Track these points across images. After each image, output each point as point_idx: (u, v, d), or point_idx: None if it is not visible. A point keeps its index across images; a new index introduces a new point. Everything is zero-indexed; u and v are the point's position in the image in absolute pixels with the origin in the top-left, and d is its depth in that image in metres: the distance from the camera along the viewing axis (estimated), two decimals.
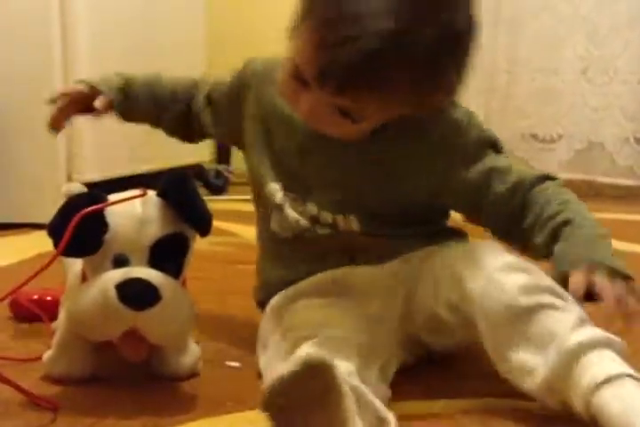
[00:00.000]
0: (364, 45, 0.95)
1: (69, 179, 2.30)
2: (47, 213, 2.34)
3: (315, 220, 1.16)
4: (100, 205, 0.99)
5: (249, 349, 1.17)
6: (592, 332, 0.95)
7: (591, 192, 3.15)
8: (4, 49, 2.28)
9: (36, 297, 1.40)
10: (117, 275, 0.98)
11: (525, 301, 0.98)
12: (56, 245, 0.99)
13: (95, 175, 2.33)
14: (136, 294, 0.97)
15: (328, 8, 1.00)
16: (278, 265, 1.22)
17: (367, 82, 0.98)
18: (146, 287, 0.97)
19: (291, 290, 1.17)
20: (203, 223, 1.04)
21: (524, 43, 3.10)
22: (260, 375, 1.08)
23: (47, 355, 1.10)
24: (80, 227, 0.97)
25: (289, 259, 1.20)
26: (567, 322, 0.96)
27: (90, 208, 0.98)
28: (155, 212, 1.02)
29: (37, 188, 2.30)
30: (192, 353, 1.11)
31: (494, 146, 1.15)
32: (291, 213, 1.17)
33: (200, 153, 2.95)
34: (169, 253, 1.03)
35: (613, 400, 0.89)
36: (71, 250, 0.99)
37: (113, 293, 0.97)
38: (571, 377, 0.93)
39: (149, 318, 0.98)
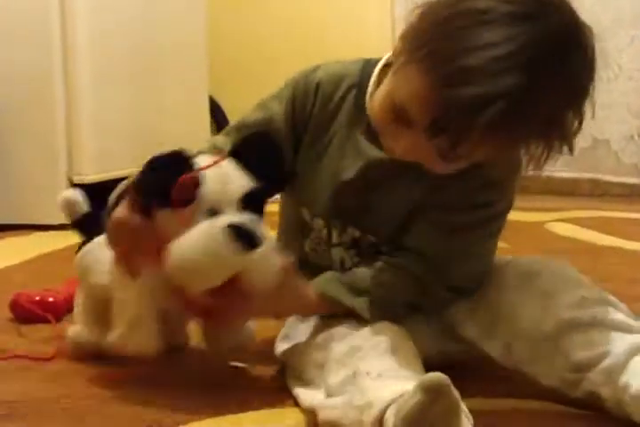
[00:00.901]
0: (490, 103, 0.89)
1: (69, 180, 2.29)
2: (47, 214, 2.37)
3: (355, 242, 1.14)
4: (201, 168, 1.02)
5: (254, 349, 1.16)
6: None
7: (597, 192, 3.14)
8: (4, 49, 2.27)
9: (37, 298, 1.39)
10: (222, 221, 0.99)
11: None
12: (147, 200, 1.02)
13: (95, 176, 2.33)
14: (245, 235, 0.98)
15: (446, 60, 0.91)
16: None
17: (484, 139, 0.93)
18: (251, 230, 0.99)
19: None
20: (276, 179, 1.07)
21: None
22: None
23: (116, 334, 1.07)
24: (179, 184, 1.00)
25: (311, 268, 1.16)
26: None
27: (191, 173, 1.01)
28: (236, 170, 1.05)
29: (37, 189, 2.30)
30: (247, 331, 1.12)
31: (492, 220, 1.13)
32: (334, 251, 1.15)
33: None
34: (253, 207, 1.04)
35: None
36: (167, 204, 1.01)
37: (223, 235, 0.98)
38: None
39: (254, 261, 1.00)
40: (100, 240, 1.14)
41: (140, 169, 1.03)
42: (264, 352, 1.15)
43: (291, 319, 1.14)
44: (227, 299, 1.02)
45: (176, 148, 1.05)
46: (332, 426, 0.93)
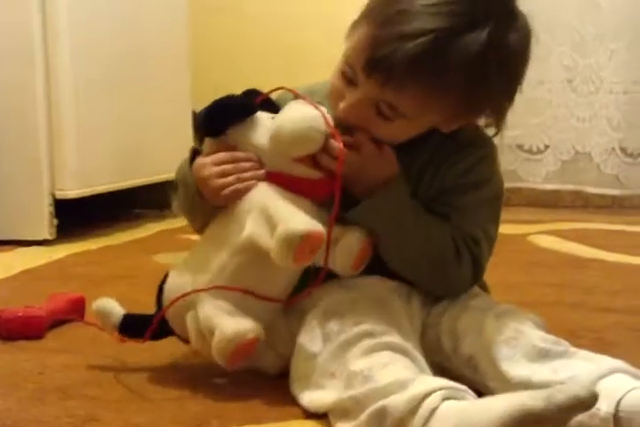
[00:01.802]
0: (418, 39, 1.02)
1: (52, 195, 2.29)
2: (30, 230, 2.36)
3: None
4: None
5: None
6: None
7: (579, 202, 3.15)
8: None
9: (20, 315, 1.39)
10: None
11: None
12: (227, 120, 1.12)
13: (77, 191, 2.32)
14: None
15: (386, 7, 1.07)
16: None
17: (414, 73, 1.04)
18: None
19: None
20: None
21: None
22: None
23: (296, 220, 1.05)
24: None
25: None
26: None
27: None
28: None
29: (20, 204, 2.29)
30: None
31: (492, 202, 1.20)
32: None
33: None
34: None
35: None
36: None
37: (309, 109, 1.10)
38: None
39: None
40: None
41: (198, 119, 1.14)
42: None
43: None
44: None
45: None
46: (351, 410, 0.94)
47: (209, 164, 1.13)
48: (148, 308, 1.18)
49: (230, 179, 1.11)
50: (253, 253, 1.08)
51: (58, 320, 1.42)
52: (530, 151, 3.16)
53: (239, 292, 1.09)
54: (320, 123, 1.08)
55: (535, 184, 3.15)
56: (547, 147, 3.14)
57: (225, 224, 1.13)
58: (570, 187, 3.15)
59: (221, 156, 1.13)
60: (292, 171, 1.11)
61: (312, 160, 1.10)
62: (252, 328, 1.07)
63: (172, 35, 2.87)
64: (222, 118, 1.12)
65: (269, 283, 1.11)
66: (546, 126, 3.11)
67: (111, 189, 2.49)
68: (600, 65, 3.02)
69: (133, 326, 1.18)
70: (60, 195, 2.30)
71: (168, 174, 2.71)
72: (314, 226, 1.03)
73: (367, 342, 1.00)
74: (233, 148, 1.13)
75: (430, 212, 1.15)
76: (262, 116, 1.14)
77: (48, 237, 2.30)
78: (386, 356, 0.98)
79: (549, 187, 3.15)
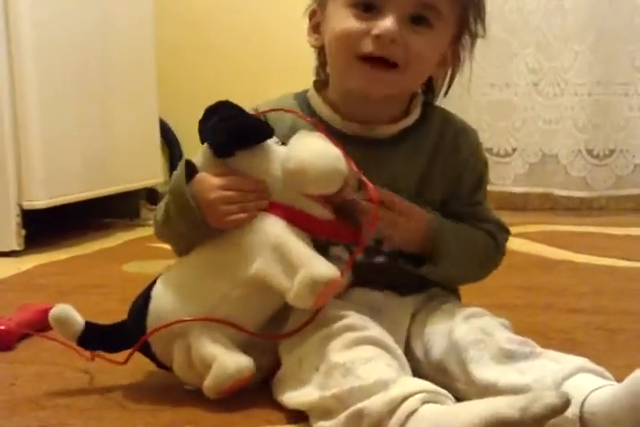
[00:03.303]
0: None
1: (19, 206, 2.27)
2: None
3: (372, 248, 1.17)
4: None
5: None
6: None
7: (547, 205, 3.18)
8: None
9: None
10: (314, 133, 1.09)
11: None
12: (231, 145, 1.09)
13: (45, 201, 2.31)
14: None
15: None
16: None
17: None
18: None
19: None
20: None
21: (476, 56, 3.10)
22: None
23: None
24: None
25: None
26: None
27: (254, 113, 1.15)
28: None
29: None
30: None
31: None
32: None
33: (152, 176, 2.93)
34: None
35: None
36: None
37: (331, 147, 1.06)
38: None
39: None
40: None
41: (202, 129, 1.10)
42: None
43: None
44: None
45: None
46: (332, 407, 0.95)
47: (216, 187, 1.10)
48: (120, 317, 1.17)
49: (234, 207, 1.09)
50: (256, 288, 1.07)
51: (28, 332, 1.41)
52: (498, 154, 3.18)
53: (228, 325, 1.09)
54: (344, 164, 1.05)
55: (504, 187, 3.17)
56: (514, 150, 3.16)
57: (227, 251, 1.10)
58: (538, 189, 3.17)
59: (230, 181, 1.10)
60: (301, 206, 1.08)
61: (323, 198, 1.08)
62: (250, 366, 1.08)
63: (139, 41, 2.86)
64: (238, 141, 1.08)
65: (258, 315, 1.12)
66: (513, 129, 3.13)
67: (79, 199, 2.48)
68: (564, 67, 3.04)
69: (96, 338, 1.16)
70: (28, 205, 2.28)
71: (137, 183, 2.74)
72: (335, 272, 1.02)
73: (349, 336, 1.01)
74: (236, 172, 1.10)
75: (455, 211, 1.20)
76: (270, 142, 1.10)
77: (16, 247, 2.28)
78: (368, 350, 0.98)
79: (518, 190, 3.18)
